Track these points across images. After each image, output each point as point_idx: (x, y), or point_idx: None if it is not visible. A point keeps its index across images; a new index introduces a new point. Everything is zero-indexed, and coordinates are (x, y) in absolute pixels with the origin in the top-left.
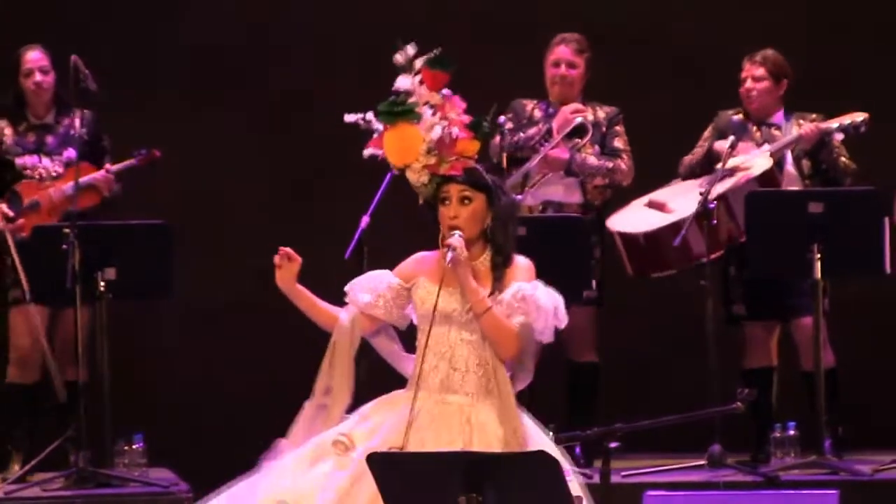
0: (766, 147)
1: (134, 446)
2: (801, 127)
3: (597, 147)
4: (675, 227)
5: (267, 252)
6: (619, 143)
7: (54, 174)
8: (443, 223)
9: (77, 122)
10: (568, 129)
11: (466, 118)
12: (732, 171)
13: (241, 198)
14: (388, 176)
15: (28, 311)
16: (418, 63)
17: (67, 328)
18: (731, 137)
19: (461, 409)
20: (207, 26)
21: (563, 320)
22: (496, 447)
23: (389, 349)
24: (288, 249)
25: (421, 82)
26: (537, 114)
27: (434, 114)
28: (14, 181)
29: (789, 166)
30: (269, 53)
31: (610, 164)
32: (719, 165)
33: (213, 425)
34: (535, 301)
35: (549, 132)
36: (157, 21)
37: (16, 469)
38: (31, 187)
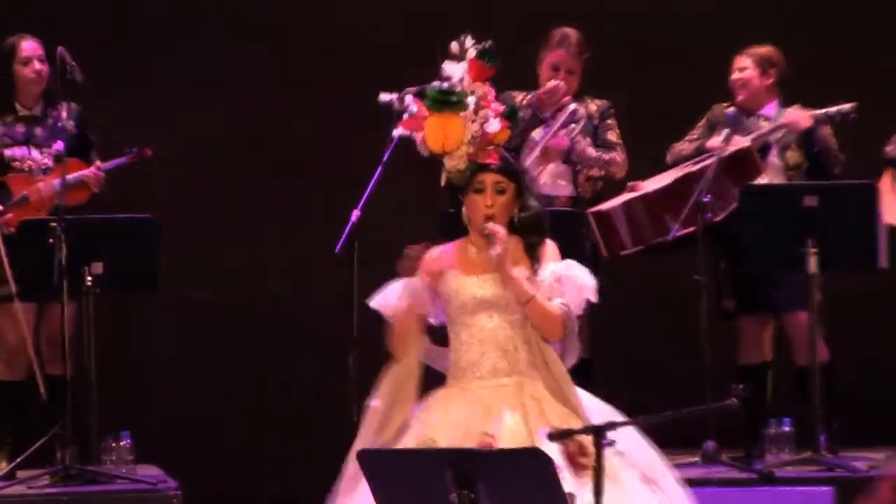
0: (752, 135)
1: (121, 443)
2: (787, 113)
3: (589, 139)
4: (643, 199)
5: (256, 247)
6: (612, 136)
7: (43, 167)
8: (475, 211)
9: (64, 115)
10: (564, 117)
11: (500, 106)
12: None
13: (229, 192)
14: (379, 169)
15: (14, 308)
16: (470, 53)
17: (54, 323)
18: (726, 130)
19: (521, 386)
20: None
21: (594, 294)
22: (559, 419)
23: (427, 348)
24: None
25: (468, 72)
26: None
27: (476, 104)
28: (1, 172)
29: (773, 157)
30: (254, 45)
31: (607, 157)
32: (711, 143)
33: (201, 422)
34: (572, 280)
35: (536, 117)
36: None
37: (2, 466)
38: (20, 181)
